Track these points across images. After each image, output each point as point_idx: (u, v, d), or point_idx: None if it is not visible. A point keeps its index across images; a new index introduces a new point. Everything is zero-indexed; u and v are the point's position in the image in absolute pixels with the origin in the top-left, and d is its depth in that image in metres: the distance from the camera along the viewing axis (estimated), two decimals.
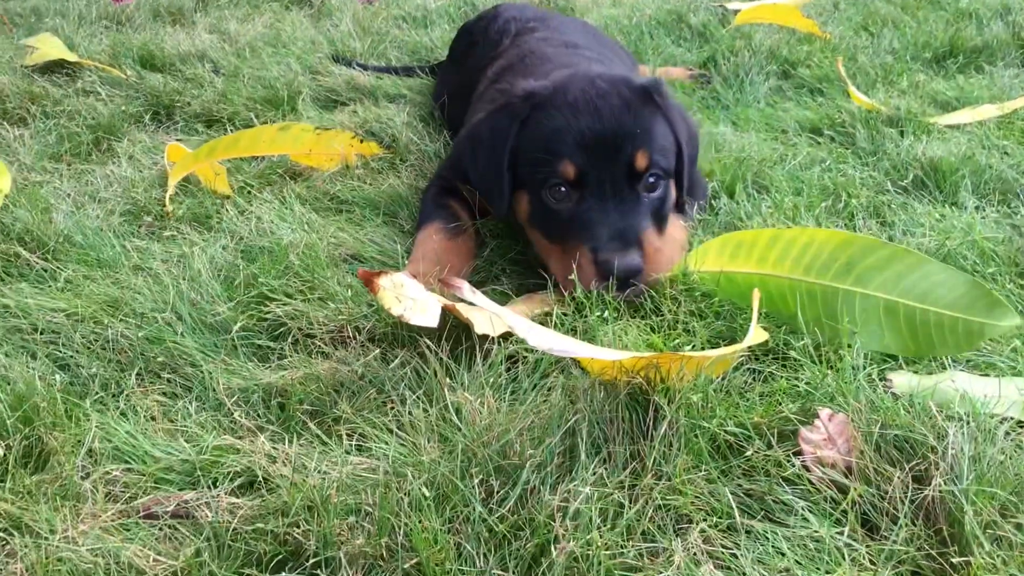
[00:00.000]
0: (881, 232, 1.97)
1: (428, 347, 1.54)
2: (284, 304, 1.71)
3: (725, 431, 1.29)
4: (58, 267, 1.90)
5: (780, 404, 1.35)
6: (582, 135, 1.75)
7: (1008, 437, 1.26)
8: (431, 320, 1.49)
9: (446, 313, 1.55)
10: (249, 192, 2.30)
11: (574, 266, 1.69)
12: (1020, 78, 2.93)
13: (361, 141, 2.55)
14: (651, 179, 1.78)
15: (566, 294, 1.71)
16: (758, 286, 1.60)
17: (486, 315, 1.51)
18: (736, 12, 3.87)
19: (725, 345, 1.57)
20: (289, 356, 1.60)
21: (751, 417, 1.32)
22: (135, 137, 2.73)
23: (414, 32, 3.80)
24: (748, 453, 1.27)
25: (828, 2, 4.09)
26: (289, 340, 1.65)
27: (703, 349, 1.58)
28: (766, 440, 1.30)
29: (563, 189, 1.76)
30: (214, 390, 1.51)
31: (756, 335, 1.49)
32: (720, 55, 3.26)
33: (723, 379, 1.41)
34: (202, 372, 1.56)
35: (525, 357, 1.52)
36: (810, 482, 1.23)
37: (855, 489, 1.20)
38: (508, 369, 1.51)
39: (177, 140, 2.70)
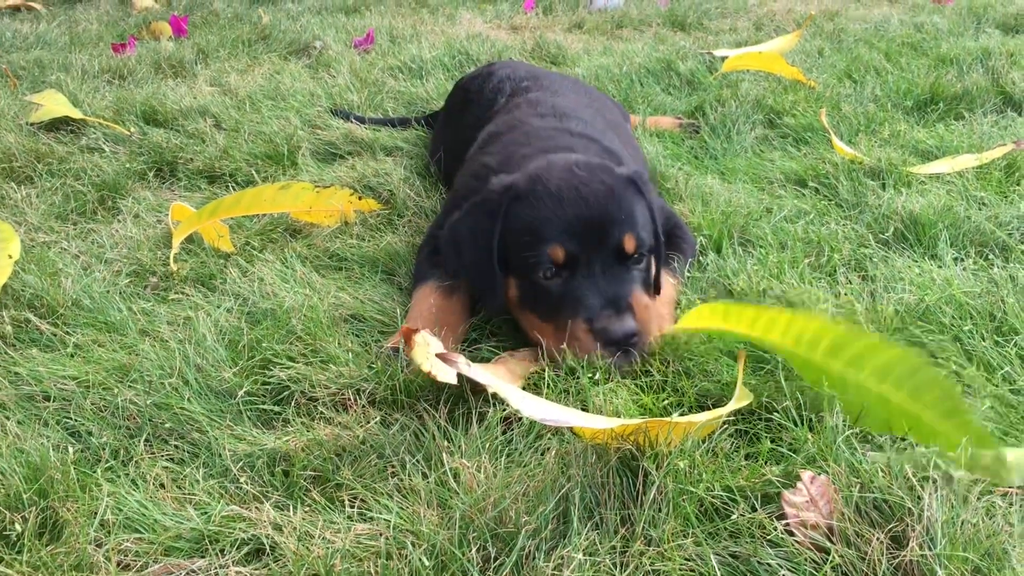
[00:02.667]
0: (863, 287, 2.04)
1: (426, 411, 1.61)
2: (287, 368, 1.77)
3: (711, 495, 1.35)
4: (67, 332, 1.97)
5: (764, 467, 1.41)
6: (569, 222, 1.83)
7: (981, 500, 1.32)
8: (452, 377, 1.57)
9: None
10: (251, 251, 2.37)
11: (571, 341, 1.76)
12: (999, 125, 3.01)
13: (360, 198, 2.62)
14: (638, 256, 1.87)
15: (562, 366, 1.78)
16: (748, 346, 1.68)
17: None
18: (723, 59, 3.97)
19: (713, 404, 1.64)
20: (292, 421, 1.66)
21: (736, 480, 1.38)
22: (139, 195, 2.81)
23: (409, 83, 3.89)
24: (734, 517, 1.33)
25: (813, 48, 4.20)
26: (292, 405, 1.71)
27: (691, 409, 1.64)
28: (750, 503, 1.36)
29: (553, 269, 1.84)
30: (220, 456, 1.57)
31: (741, 397, 1.55)
32: (708, 104, 3.35)
33: (709, 441, 1.47)
34: (208, 438, 1.61)
35: (519, 419, 1.59)
36: (794, 545, 1.29)
37: (835, 551, 1.26)
38: (504, 432, 1.57)
39: (180, 198, 2.77)
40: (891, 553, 1.25)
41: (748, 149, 3.02)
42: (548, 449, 1.49)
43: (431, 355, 1.59)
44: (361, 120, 3.38)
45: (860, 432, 1.50)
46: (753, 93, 3.37)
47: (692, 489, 1.35)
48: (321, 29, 4.87)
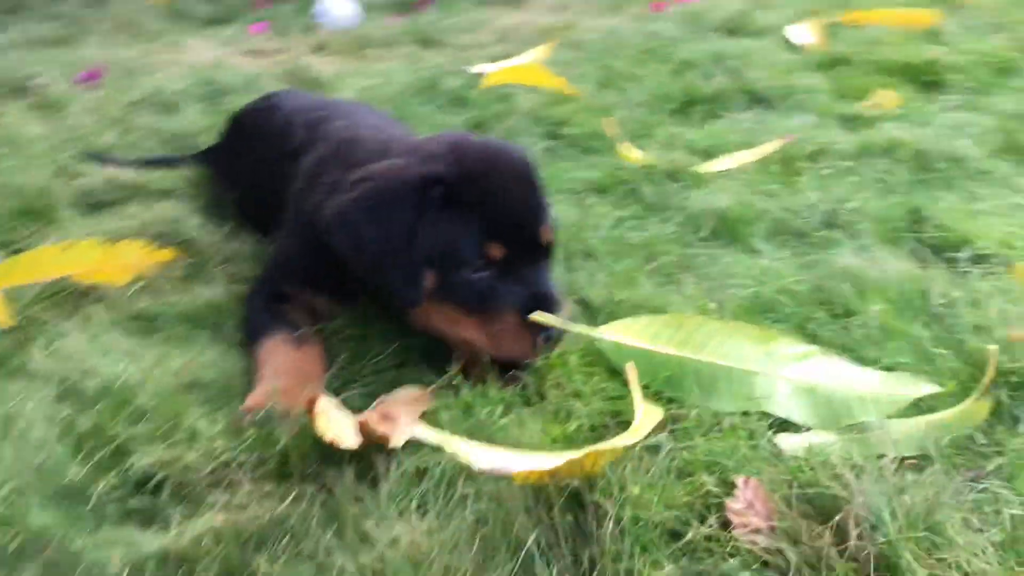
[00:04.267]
0: (700, 283, 2.12)
1: (326, 476, 1.48)
2: (146, 453, 1.56)
3: (665, 518, 1.34)
4: None
5: (700, 478, 1.42)
6: (503, 214, 1.78)
7: (897, 474, 1.41)
8: (353, 441, 1.45)
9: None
10: (40, 323, 2.06)
11: (504, 334, 1.75)
12: (759, 122, 3.27)
13: (156, 249, 2.37)
14: (552, 246, 1.86)
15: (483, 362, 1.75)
16: (642, 360, 1.72)
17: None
18: (482, 75, 4.02)
19: (615, 424, 1.64)
20: (171, 513, 1.46)
21: (680, 498, 1.38)
22: None
23: (161, 118, 3.59)
24: (689, 536, 1.32)
25: (563, 59, 4.35)
26: (165, 494, 1.50)
27: (593, 431, 1.63)
28: (698, 517, 1.37)
29: (484, 265, 1.77)
30: (100, 570, 1.34)
31: (649, 412, 1.56)
32: (487, 121, 3.37)
33: (639, 463, 1.46)
34: (76, 551, 1.38)
35: (425, 469, 1.50)
36: (749, 552, 1.31)
37: (789, 552, 1.29)
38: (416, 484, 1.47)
39: None
40: (839, 544, 1.30)
41: (540, 162, 3.05)
42: (475, 497, 1.41)
43: (333, 420, 1.46)
44: (124, 163, 3.06)
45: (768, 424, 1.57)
46: (527, 106, 3.43)
47: (646, 515, 1.33)
48: (37, 64, 4.37)
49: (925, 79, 3.72)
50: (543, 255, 1.85)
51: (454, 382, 1.74)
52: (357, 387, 1.86)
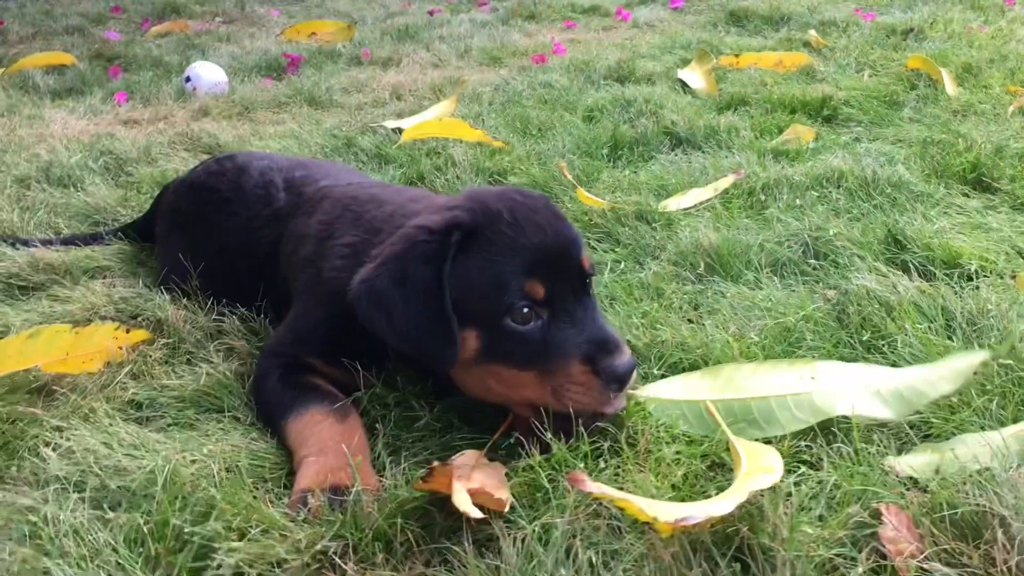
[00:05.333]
0: (726, 319, 2.11)
1: (438, 551, 1.36)
2: (230, 552, 1.38)
3: (831, 553, 1.30)
4: None
5: (844, 510, 1.39)
6: (538, 252, 1.67)
7: None
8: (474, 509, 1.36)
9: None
10: (33, 421, 1.81)
11: (569, 386, 1.62)
12: (690, 162, 3.34)
13: (127, 330, 2.15)
14: (591, 279, 1.76)
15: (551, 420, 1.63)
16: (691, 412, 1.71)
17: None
18: (398, 130, 3.94)
19: (705, 468, 1.59)
20: None
21: (835, 532, 1.34)
22: None
23: (67, 193, 3.29)
24: (860, 569, 1.29)
25: (466, 113, 4.33)
26: None
27: (696, 477, 1.57)
28: (853, 546, 1.33)
29: (527, 310, 1.64)
30: None
31: (754, 452, 1.53)
32: (426, 174, 3.29)
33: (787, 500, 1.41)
34: None
35: (550, 529, 1.40)
36: None
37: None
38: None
39: None
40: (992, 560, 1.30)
41: None
42: (616, 556, 1.33)
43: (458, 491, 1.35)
44: (41, 243, 2.78)
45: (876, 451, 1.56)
46: (462, 159, 3.37)
47: (813, 553, 1.28)
48: None
49: (823, 114, 3.94)
50: (586, 289, 1.75)
51: (511, 440, 1.67)
52: (406, 456, 1.73)
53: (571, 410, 1.63)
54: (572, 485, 1.33)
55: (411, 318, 1.65)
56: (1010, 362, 1.75)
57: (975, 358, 1.74)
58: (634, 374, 1.66)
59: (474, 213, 1.70)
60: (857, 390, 1.71)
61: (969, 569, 1.29)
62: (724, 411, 1.72)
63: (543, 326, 1.67)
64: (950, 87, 4.08)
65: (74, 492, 1.54)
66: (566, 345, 1.65)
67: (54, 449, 1.67)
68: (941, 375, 1.72)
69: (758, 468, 1.44)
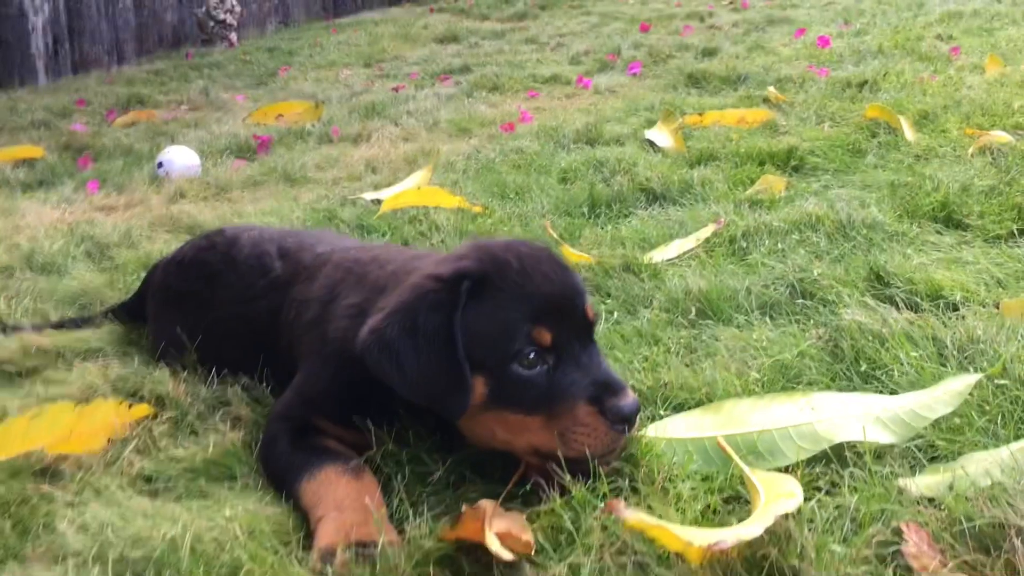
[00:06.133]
0: (725, 359, 2.15)
1: None
2: None
3: (860, 571, 1.32)
4: None
5: (866, 529, 1.41)
6: (543, 299, 1.71)
7: None
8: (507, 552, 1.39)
9: None
10: (44, 499, 1.79)
11: (576, 428, 1.65)
12: (668, 215, 3.42)
13: (130, 406, 2.14)
14: (594, 326, 1.80)
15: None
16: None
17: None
18: (376, 201, 4.00)
19: (721, 501, 1.62)
20: None
21: (860, 551, 1.37)
22: None
23: (51, 280, 3.29)
24: None
25: (443, 181, 4.40)
26: None
27: (714, 512, 1.59)
28: (879, 564, 1.36)
29: (534, 356, 1.68)
30: None
31: (769, 481, 1.55)
32: (412, 241, 3.33)
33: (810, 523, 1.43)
34: None
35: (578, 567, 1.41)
36: None
37: None
38: None
39: None
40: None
41: None
42: None
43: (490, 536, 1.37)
44: (31, 328, 2.77)
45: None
46: (446, 224, 3.43)
47: (849, 571, 1.30)
48: None
49: (791, 164, 4.05)
50: (590, 335, 1.79)
51: (528, 487, 1.68)
52: (423, 510, 1.73)
53: (583, 453, 1.65)
54: (610, 513, 1.34)
55: (423, 367, 1.68)
56: (1006, 382, 1.81)
57: (969, 379, 1.79)
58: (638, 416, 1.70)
59: (482, 263, 1.75)
60: (857, 417, 1.75)
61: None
62: (729, 445, 1.75)
63: (549, 371, 1.70)
64: (909, 133, 4.22)
65: (94, 565, 1.52)
66: (572, 388, 1.69)
67: (70, 523, 1.65)
68: (937, 398, 1.77)
69: (778, 495, 1.46)
